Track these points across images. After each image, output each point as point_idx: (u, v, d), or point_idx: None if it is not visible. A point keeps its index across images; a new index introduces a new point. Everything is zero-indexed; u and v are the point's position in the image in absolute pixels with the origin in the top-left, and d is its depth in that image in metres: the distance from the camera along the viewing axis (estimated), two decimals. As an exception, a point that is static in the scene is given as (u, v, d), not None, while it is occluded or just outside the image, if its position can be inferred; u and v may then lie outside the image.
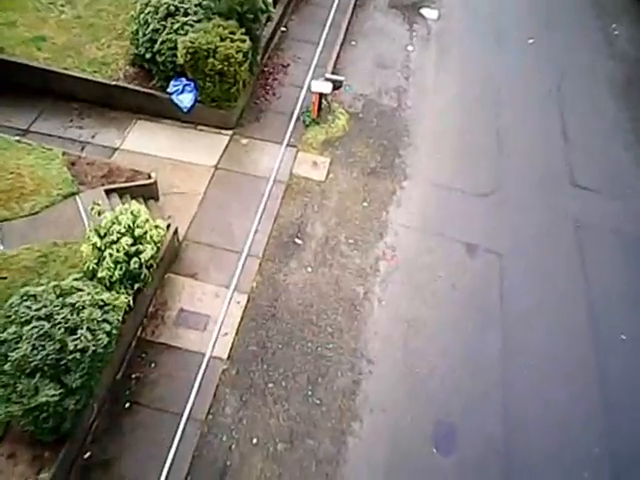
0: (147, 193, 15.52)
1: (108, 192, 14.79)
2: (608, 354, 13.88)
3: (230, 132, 17.75)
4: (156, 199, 15.78)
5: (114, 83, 17.66)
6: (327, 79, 17.59)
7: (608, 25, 24.28)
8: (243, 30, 16.85)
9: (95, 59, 18.30)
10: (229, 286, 14.15)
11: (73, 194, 14.59)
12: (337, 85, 17.59)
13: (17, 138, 15.91)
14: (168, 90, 17.34)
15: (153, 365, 12.81)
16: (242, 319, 13.58)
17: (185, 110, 17.33)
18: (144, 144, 17.23)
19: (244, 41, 16.58)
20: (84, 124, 17.72)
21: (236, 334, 13.34)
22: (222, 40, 16.23)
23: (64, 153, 15.59)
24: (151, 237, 12.12)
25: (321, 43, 21.09)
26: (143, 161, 16.65)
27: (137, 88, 17.65)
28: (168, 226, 14.35)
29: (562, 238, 16.13)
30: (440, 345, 13.70)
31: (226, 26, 16.59)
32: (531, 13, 24.21)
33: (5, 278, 12.67)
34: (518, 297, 14.68)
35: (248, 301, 13.94)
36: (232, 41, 16.36)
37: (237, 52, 16.27)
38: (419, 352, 13.55)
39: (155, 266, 12.85)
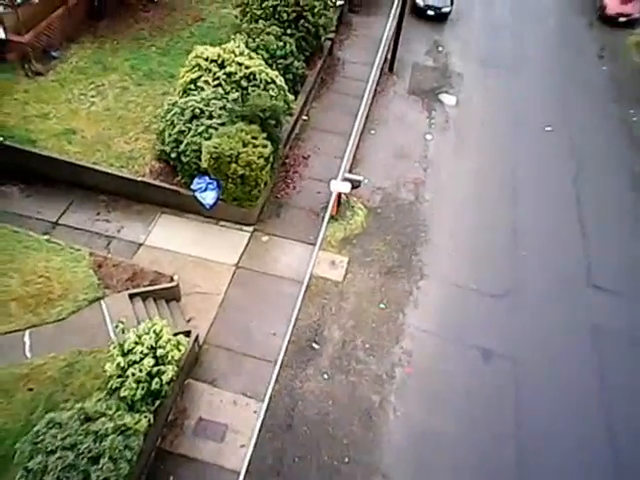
0: (169, 295, 15.99)
1: (132, 296, 15.25)
2: (628, 469, 13.81)
3: (251, 228, 18.25)
4: (178, 300, 16.21)
5: (140, 179, 18.34)
6: (346, 179, 18.08)
7: (626, 110, 24.59)
8: (265, 135, 17.45)
9: (123, 153, 19.04)
10: (247, 393, 14.41)
11: (98, 299, 15.07)
12: (355, 185, 18.06)
13: (47, 237, 16.56)
14: (192, 187, 17.95)
15: (171, 478, 13.00)
16: (259, 430, 13.72)
17: (208, 207, 17.90)
18: (168, 240, 17.78)
19: (265, 146, 17.19)
20: (111, 217, 18.35)
21: (253, 446, 13.49)
22: (244, 146, 16.84)
23: (91, 254, 16.16)
24: (172, 357, 12.48)
25: (340, 132, 21.63)
26: (166, 258, 17.20)
27: (162, 184, 18.31)
28: (189, 333, 14.74)
29: (578, 343, 16.24)
30: (454, 460, 13.76)
31: (249, 131, 17.21)
32: (549, 99, 24.66)
33: (32, 390, 13.08)
34: (532, 408, 14.73)
35: (265, 410, 14.12)
36: (254, 146, 16.97)
37: (259, 158, 16.87)
38: (433, 467, 13.59)
39: (176, 377, 13.18)
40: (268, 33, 21.07)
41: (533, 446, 14.14)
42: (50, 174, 18.70)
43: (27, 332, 14.14)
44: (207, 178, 17.78)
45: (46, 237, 16.54)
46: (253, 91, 18.54)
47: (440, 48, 26.68)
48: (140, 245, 17.67)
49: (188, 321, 15.81)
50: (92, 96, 20.83)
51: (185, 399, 14.30)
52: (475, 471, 13.67)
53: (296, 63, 21.38)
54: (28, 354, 13.77)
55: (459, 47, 26.86)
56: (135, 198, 18.70)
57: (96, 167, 18.48)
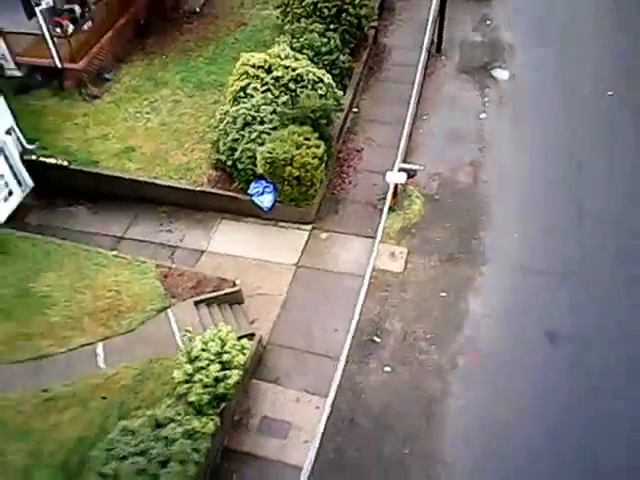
0: (233, 299, 16.42)
1: (197, 303, 15.76)
2: None
3: (309, 227, 18.40)
4: (241, 303, 16.60)
5: (199, 189, 18.87)
6: (401, 169, 17.89)
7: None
8: (317, 134, 17.55)
9: (181, 165, 19.64)
10: (309, 390, 14.58)
11: (165, 308, 15.67)
12: (412, 174, 17.86)
13: (114, 253, 17.35)
14: (249, 192, 18.30)
15: (235, 476, 13.35)
16: (323, 426, 13.85)
17: (266, 210, 18.20)
18: (229, 245, 18.24)
19: (318, 146, 17.30)
20: (173, 227, 19.01)
21: (316, 441, 13.64)
22: (298, 148, 16.99)
23: (157, 265, 16.82)
24: (238, 361, 12.83)
25: (392, 121, 21.38)
26: (228, 262, 17.66)
27: (220, 192, 18.77)
28: (253, 335, 15.10)
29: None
30: (516, 449, 13.31)
31: (301, 132, 17.34)
32: (608, 63, 23.15)
33: (105, 398, 13.79)
34: (603, 394, 13.99)
35: (328, 406, 14.23)
36: (307, 147, 17.10)
37: (313, 158, 17.00)
38: (495, 456, 13.25)
39: (241, 380, 13.54)
40: (311, 31, 21.05)
41: (598, 432, 13.45)
42: (113, 191, 19.59)
43: (100, 344, 14.89)
44: (263, 182, 18.07)
45: (114, 253, 17.33)
46: (302, 92, 18.61)
47: (488, 22, 25.71)
48: (202, 252, 18.20)
49: (251, 323, 16.16)
50: (147, 112, 21.56)
51: (249, 399, 14.62)
52: (542, 462, 13.16)
53: (342, 57, 21.27)
54: (102, 365, 14.51)
55: (508, 19, 25.73)
56: (195, 207, 19.27)
57: (156, 181, 19.17)
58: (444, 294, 16.33)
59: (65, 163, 19.45)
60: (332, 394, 14.32)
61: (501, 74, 23.19)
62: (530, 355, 14.87)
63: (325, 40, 21.01)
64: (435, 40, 24.11)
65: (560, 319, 15.49)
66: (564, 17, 25.58)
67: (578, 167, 19.29)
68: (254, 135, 17.84)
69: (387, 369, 14.86)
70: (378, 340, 15.46)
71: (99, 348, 14.67)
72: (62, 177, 19.59)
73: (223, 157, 18.40)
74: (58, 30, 20.91)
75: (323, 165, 17.83)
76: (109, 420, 12.94)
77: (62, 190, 19.73)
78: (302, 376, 14.83)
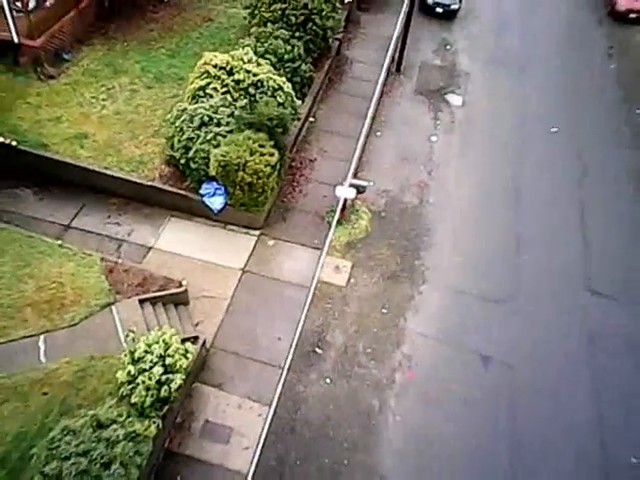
0: (178, 300, 16.54)
1: (142, 301, 15.81)
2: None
3: (257, 232, 18.72)
4: (186, 304, 16.75)
5: (150, 184, 18.80)
6: (351, 185, 18.41)
7: (634, 110, 24.61)
8: (272, 143, 17.82)
9: (133, 158, 19.48)
10: (252, 397, 14.98)
11: (109, 304, 15.63)
12: (361, 190, 18.40)
13: (60, 242, 17.10)
14: (200, 192, 18.40)
15: (179, 478, 13.64)
16: (263, 433, 14.30)
17: (215, 212, 18.36)
18: (177, 243, 18.31)
19: (272, 154, 17.56)
20: (121, 220, 18.88)
21: (256, 448, 14.08)
22: (252, 154, 17.23)
23: (102, 259, 16.70)
24: (180, 366, 13.03)
25: (346, 134, 21.93)
26: (175, 261, 17.75)
27: (171, 189, 18.77)
28: (196, 338, 15.32)
29: (575, 349, 16.57)
30: (451, 464, 14.25)
31: (256, 139, 17.58)
32: (556, 99, 24.70)
33: (46, 394, 13.70)
34: (528, 416, 15.14)
35: (270, 414, 14.68)
36: (261, 155, 17.36)
37: (266, 166, 17.26)
38: (430, 470, 14.13)
39: (184, 384, 13.77)
40: (276, 37, 21.30)
41: (527, 453, 14.58)
42: (62, 177, 19.23)
43: (42, 337, 14.73)
44: (215, 184, 18.21)
45: (59, 242, 17.07)
46: (261, 98, 18.85)
47: (448, 46, 26.77)
48: (150, 248, 18.20)
49: (196, 325, 16.36)
50: (103, 99, 21.20)
51: (192, 402, 14.89)
52: (471, 474, 14.15)
53: (303, 66, 21.63)
54: (43, 359, 14.38)
55: (467, 45, 26.94)
56: (145, 202, 19.20)
57: (107, 172, 18.95)
58: (385, 310, 17.06)
59: (14, 143, 18.90)
60: (274, 402, 14.74)
61: (455, 100, 24.18)
62: (463, 375, 15.80)
63: (289, 47, 21.31)
64: (396, 59, 24.81)
65: (493, 343, 16.52)
66: (522, 48, 26.97)
67: (518, 197, 20.47)
68: (210, 136, 17.95)
69: (327, 381, 15.42)
70: (320, 351, 16.01)
71: (41, 341, 14.50)
72: (9, 157, 19.03)
73: (177, 154, 18.42)
74: (18, 4, 20.20)
75: (275, 173, 18.16)
76: (50, 417, 12.90)
77: (8, 171, 19.12)
78: (245, 382, 15.22)
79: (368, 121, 22.34)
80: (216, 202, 18.32)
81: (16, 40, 20.67)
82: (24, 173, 19.25)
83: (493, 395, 15.52)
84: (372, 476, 14.06)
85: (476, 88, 24.87)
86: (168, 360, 13.02)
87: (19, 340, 14.61)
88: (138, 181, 18.90)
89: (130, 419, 12.28)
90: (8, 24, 20.10)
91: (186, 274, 17.18)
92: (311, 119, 22.66)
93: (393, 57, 25.01)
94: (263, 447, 14.16)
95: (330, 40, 23.49)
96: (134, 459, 11.55)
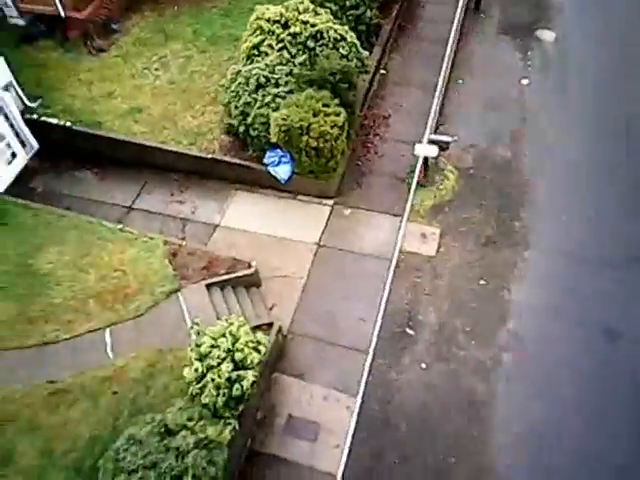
0: (249, 282, 14.97)
1: (209, 286, 14.31)
2: None
3: (331, 202, 16.83)
4: (258, 286, 15.15)
5: (210, 156, 17.26)
6: (432, 141, 16.14)
7: None
8: (337, 101, 15.77)
9: (191, 129, 18.03)
10: (338, 387, 13.26)
11: (175, 291, 14.25)
12: (444, 147, 16.10)
13: (120, 226, 15.85)
14: (264, 161, 16.67)
15: (263, 481, 12.17)
16: (354, 428, 12.58)
17: (283, 182, 16.60)
18: (244, 219, 16.76)
19: (339, 114, 15.54)
20: (184, 198, 17.53)
21: (349, 446, 12.38)
22: (315, 115, 15.26)
23: (165, 242, 15.32)
24: (252, 361, 11.43)
25: (423, 85, 19.50)
26: (244, 239, 16.22)
27: (233, 160, 17.17)
28: (270, 325, 13.71)
29: None
30: (572, 459, 12.00)
31: (319, 98, 15.57)
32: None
33: (116, 393, 12.52)
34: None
35: (360, 406, 12.93)
36: (326, 115, 15.37)
37: (332, 127, 15.29)
38: (549, 466, 11.95)
39: (259, 379, 12.19)
40: (335, -19, 18.93)
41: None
42: (120, 156, 18.11)
43: (107, 330, 13.56)
44: (279, 151, 16.45)
45: (120, 226, 15.89)
46: (321, 51, 16.83)
47: (534, -26, 23.40)
48: (216, 226, 16.76)
49: (270, 309, 14.76)
50: (156, 69, 19.86)
51: (273, 395, 13.39)
52: (595, 471, 11.89)
53: (368, 13, 19.27)
54: (110, 354, 13.21)
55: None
56: (207, 176, 17.76)
57: (164, 147, 17.60)
58: (483, 282, 14.82)
59: (68, 124, 17.85)
60: (362, 393, 12.99)
61: (547, 35, 21.07)
62: (584, 353, 13.40)
63: (350, -8, 18.90)
64: (474, -6, 21.93)
65: (617, 313, 13.94)
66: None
67: (633, 142, 17.41)
68: (268, 99, 16.11)
69: (423, 366, 13.48)
70: (411, 333, 14.04)
71: (107, 335, 13.29)
72: (66, 139, 18.10)
73: (235, 122, 16.72)
74: (61, -24, 18.97)
75: (344, 134, 16.08)
76: (122, 418, 11.83)
77: (67, 153, 18.26)
78: (329, 371, 13.54)
79: (447, 68, 19.79)
80: (282, 171, 16.54)
81: (62, 14, 19.49)
82: (82, 154, 18.39)
83: (621, 376, 12.99)
84: (485, 474, 12.02)
85: (571, 22, 21.45)
86: (237, 355, 11.43)
87: (84, 334, 13.46)
88: (198, 155, 17.43)
89: (202, 423, 10.82)
90: (52, -3, 18.87)
91: (256, 252, 15.59)
92: (382, 71, 20.33)
93: (470, -7, 22.17)
94: (355, 444, 12.39)
95: (397, -21, 20.92)
96: (208, 470, 10.10)
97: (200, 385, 11.34)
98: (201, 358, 11.47)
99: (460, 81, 19.88)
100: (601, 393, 12.86)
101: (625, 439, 12.21)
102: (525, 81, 19.58)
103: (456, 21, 20.96)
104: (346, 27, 17.77)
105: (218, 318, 13.16)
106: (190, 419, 10.82)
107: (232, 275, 14.61)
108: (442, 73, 19.69)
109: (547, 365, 13.29)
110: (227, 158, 17.22)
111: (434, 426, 12.66)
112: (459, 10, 21.09)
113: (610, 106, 18.47)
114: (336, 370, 13.52)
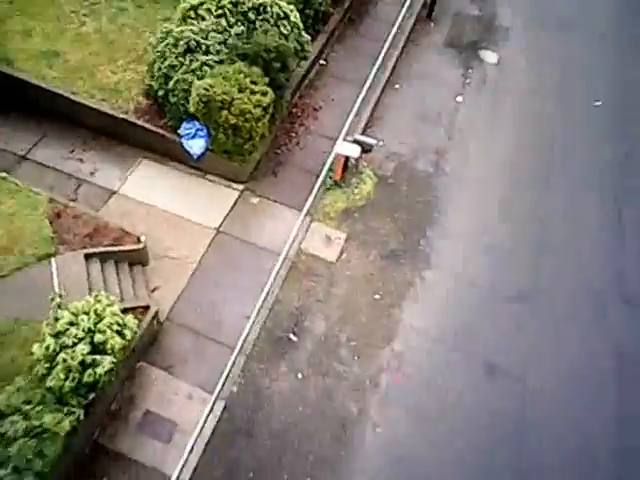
0: (135, 258, 13.93)
1: (89, 256, 13.19)
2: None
3: (241, 187, 15.98)
4: (145, 264, 14.14)
5: (122, 116, 16.00)
6: (356, 141, 15.51)
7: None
8: (267, 80, 14.88)
9: (107, 84, 16.70)
10: (206, 387, 12.45)
11: (49, 256, 13.03)
12: (367, 149, 15.51)
13: (4, 175, 14.42)
14: (179, 132, 15.59)
15: (104, 480, 11.25)
16: (213, 434, 11.84)
17: (195, 157, 15.58)
18: (145, 190, 15.65)
19: (265, 94, 14.65)
20: (85, 157, 16.26)
21: (203, 452, 11.64)
22: (241, 91, 14.36)
23: (50, 200, 14.05)
24: (113, 346, 10.45)
25: (360, 83, 18.86)
26: (140, 211, 15.16)
27: (146, 125, 15.99)
28: (146, 308, 12.74)
29: (599, 371, 13.79)
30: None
31: (248, 73, 14.68)
32: (602, 68, 21.17)
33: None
34: (539, 440, 12.52)
35: (224, 410, 12.21)
36: (252, 93, 14.49)
37: (255, 107, 14.38)
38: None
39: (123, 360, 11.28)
40: (289, -44, 17.93)
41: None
42: (25, 100, 16.54)
43: (-40, 287, 12.23)
44: (197, 123, 15.40)
45: (3, 175, 14.41)
46: (261, 26, 15.86)
47: (489, -5, 23.22)
48: (113, 193, 15.58)
49: (152, 291, 13.79)
50: (84, 14, 18.29)
51: (134, 386, 12.43)
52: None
53: (319, -2, 18.39)
54: (-42, 314, 11.89)
55: (511, -4, 23.33)
56: (115, 137, 16.52)
57: (73, 97, 16.18)
58: (378, 296, 14.37)
59: (-31, 54, 16.10)
60: (230, 398, 12.26)
61: (489, 57, 20.87)
62: (462, 385, 13.13)
63: (305, -29, 18.00)
64: (428, 3, 21.39)
65: (501, 349, 13.79)
66: (569, 7, 23.27)
67: (548, 178, 17.43)
68: (195, 65, 15.10)
69: (299, 376, 12.89)
70: (294, 339, 13.43)
71: (-43, 292, 11.99)
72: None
73: (155, 84, 15.61)
74: None
75: (267, 117, 15.25)
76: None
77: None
78: (200, 368, 12.72)
79: (386, 70, 19.23)
80: (196, 146, 15.52)
81: None
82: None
83: (497, 413, 12.84)
84: (336, 501, 11.59)
85: (515, 46, 21.40)
86: (98, 337, 10.44)
87: None
88: (108, 112, 16.09)
89: (40, 408, 9.76)
90: None
91: (150, 228, 14.61)
92: (322, 62, 19.56)
93: (425, 1, 21.64)
94: (211, 451, 11.69)
95: (354, -29, 20.14)
96: (34, 462, 9.07)
97: (48, 365, 10.28)
98: (58, 335, 10.39)
99: (397, 86, 19.37)
100: (478, 427, 12.62)
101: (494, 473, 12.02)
102: (460, 98, 19.27)
103: (405, 26, 20.41)
104: (292, 6, 16.85)
105: (90, 293, 12.08)
106: (28, 402, 9.75)
107: (117, 248, 13.53)
108: (381, 75, 19.10)
109: (420, 392, 12.93)
110: (140, 122, 16.03)
111: (298, 442, 12.08)
112: (412, 15, 20.54)
113: (536, 139, 18.42)
114: (208, 368, 12.75)
